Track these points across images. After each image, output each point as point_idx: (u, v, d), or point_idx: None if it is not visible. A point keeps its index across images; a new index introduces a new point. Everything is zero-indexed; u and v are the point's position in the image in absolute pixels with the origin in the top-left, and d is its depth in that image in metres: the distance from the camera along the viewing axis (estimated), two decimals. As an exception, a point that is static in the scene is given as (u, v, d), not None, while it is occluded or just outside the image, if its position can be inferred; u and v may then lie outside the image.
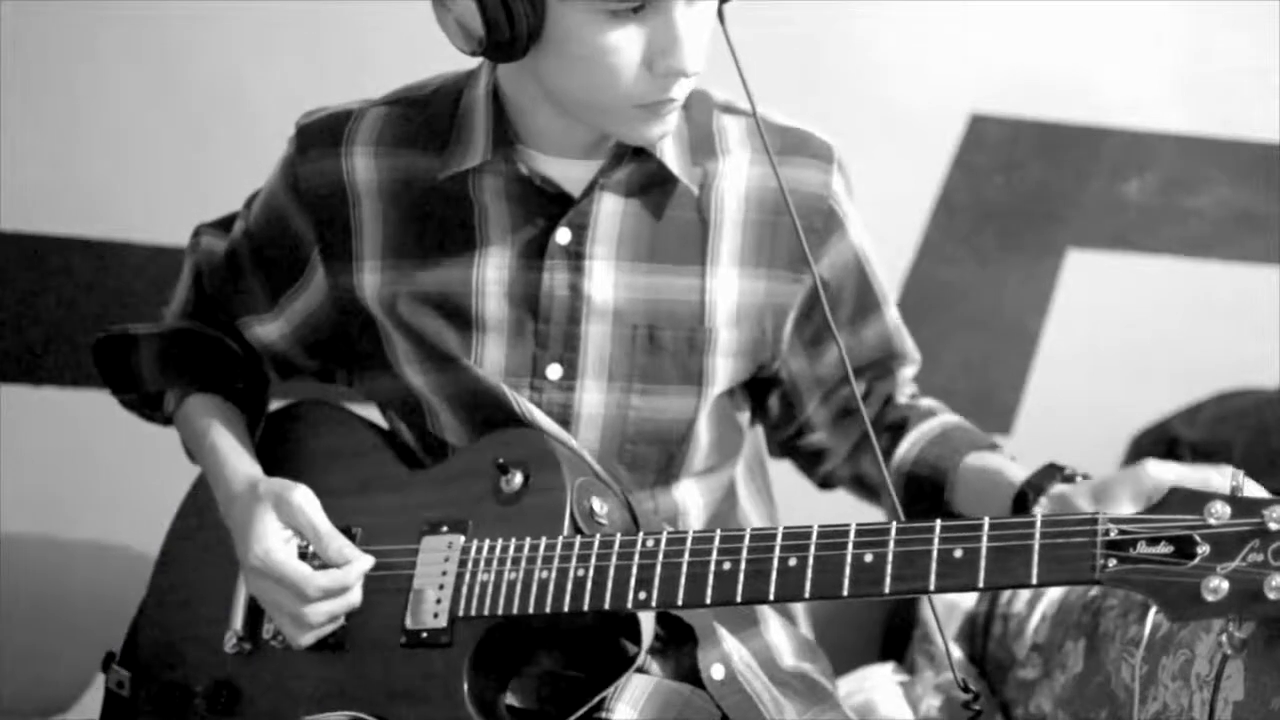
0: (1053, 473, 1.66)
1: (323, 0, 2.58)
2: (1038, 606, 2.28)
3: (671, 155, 1.69)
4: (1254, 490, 1.37)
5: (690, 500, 1.77)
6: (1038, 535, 1.38)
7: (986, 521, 1.41)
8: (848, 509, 1.80)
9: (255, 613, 1.70)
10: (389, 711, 1.60)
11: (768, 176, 1.72)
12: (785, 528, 1.49)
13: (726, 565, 1.49)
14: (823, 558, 1.46)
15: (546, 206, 1.69)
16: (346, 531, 1.67)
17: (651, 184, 1.70)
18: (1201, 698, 1.72)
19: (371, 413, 1.83)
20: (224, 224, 1.88)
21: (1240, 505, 1.31)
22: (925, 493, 1.79)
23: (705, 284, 1.71)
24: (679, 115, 1.71)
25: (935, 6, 2.75)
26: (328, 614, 1.62)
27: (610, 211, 1.69)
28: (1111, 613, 2.02)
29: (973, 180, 2.84)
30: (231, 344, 1.86)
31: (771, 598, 1.48)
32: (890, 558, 1.43)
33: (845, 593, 1.44)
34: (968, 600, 2.46)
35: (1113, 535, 1.35)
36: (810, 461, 1.89)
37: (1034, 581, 1.37)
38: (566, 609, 1.54)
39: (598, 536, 1.56)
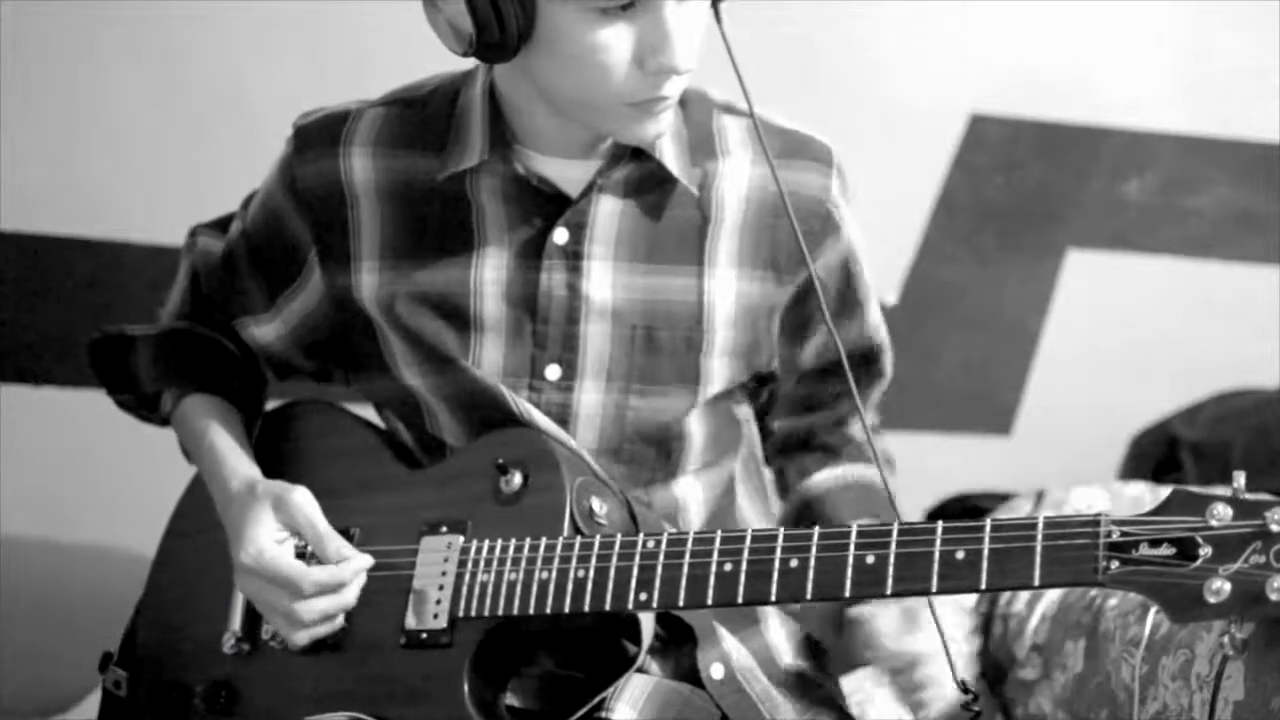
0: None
1: (323, 0, 2.58)
2: (1037, 607, 2.28)
3: (670, 155, 1.68)
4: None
5: (691, 496, 1.77)
6: (1040, 537, 1.38)
7: (989, 523, 1.41)
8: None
9: (253, 613, 1.70)
10: (389, 712, 1.60)
11: (768, 179, 1.71)
12: (786, 529, 1.49)
13: (728, 566, 1.49)
14: (824, 559, 1.46)
15: (544, 206, 1.69)
16: (345, 532, 1.67)
17: (650, 184, 1.70)
18: (1201, 698, 1.72)
19: (369, 413, 1.83)
20: (220, 225, 1.88)
21: (1242, 507, 1.31)
22: (806, 524, 1.81)
23: (703, 284, 1.70)
24: (677, 115, 1.71)
25: (935, 6, 2.75)
26: (320, 612, 1.62)
27: (608, 212, 1.69)
28: (1111, 613, 2.02)
29: (973, 180, 2.84)
30: (228, 344, 1.86)
31: (773, 599, 1.48)
32: (892, 559, 1.43)
33: (847, 594, 1.44)
34: (967, 601, 2.46)
35: (1115, 537, 1.35)
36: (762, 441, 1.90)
37: (1036, 583, 1.37)
38: (567, 610, 1.54)
39: (598, 537, 1.56)
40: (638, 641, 1.61)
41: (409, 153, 1.72)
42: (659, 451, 1.73)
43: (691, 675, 1.66)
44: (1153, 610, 1.87)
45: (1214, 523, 1.32)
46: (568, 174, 1.69)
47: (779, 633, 1.76)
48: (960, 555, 1.41)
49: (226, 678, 1.70)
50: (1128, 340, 2.95)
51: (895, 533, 1.44)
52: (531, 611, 1.55)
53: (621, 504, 1.66)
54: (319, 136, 1.75)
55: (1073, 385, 2.94)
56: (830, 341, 1.77)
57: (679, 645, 1.70)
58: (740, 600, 1.49)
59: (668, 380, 1.71)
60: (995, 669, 2.36)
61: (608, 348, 1.69)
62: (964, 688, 1.58)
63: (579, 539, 1.56)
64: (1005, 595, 2.37)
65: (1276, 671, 1.61)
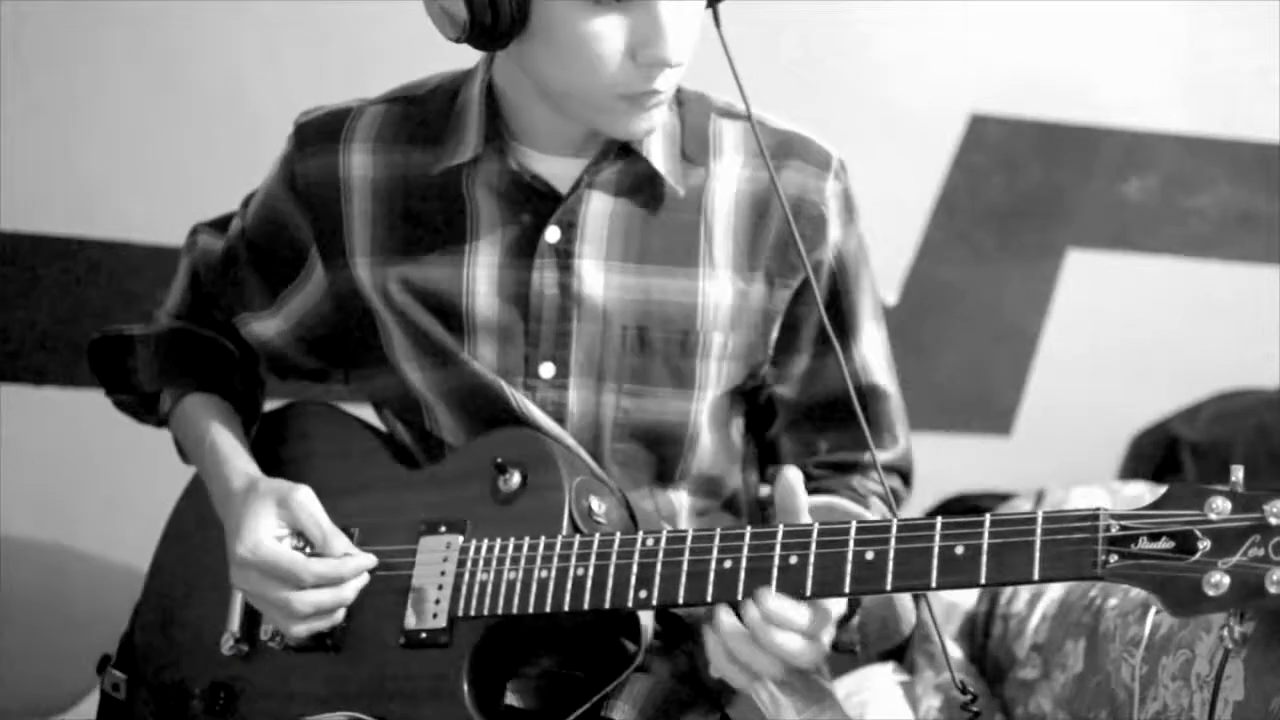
0: None
1: (323, 0, 2.58)
2: (1038, 606, 2.28)
3: (660, 155, 1.68)
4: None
5: (683, 507, 1.77)
6: (1039, 532, 1.38)
7: (988, 518, 1.41)
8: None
9: (252, 614, 1.70)
10: (388, 712, 1.60)
11: (759, 181, 1.71)
12: (785, 525, 1.49)
13: (727, 564, 1.49)
14: (824, 555, 1.46)
15: (537, 204, 1.69)
16: (345, 532, 1.67)
17: (641, 184, 1.69)
18: (1201, 698, 1.72)
19: (368, 414, 1.83)
20: (221, 223, 1.88)
21: (1241, 500, 1.31)
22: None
23: (699, 286, 1.70)
24: (673, 116, 1.71)
25: (935, 6, 2.75)
26: (316, 604, 1.62)
27: (598, 210, 1.69)
28: (1111, 613, 2.02)
29: (973, 180, 2.84)
30: (227, 344, 1.86)
31: (773, 596, 1.48)
32: (891, 555, 1.43)
33: (847, 590, 1.44)
34: (968, 600, 2.46)
35: (1114, 531, 1.35)
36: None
37: (1035, 578, 1.37)
38: (566, 608, 1.54)
39: (597, 536, 1.56)
40: (637, 640, 1.61)
41: (408, 149, 1.72)
42: (653, 455, 1.73)
43: (691, 674, 1.66)
44: (1153, 610, 1.87)
45: (1213, 516, 1.32)
46: (561, 171, 1.69)
47: (778, 631, 1.76)
48: (960, 550, 1.41)
49: (225, 679, 1.70)
50: (1128, 340, 2.95)
51: (895, 528, 1.44)
52: (531, 610, 1.55)
53: (620, 503, 1.66)
54: (319, 134, 1.75)
55: (1073, 385, 2.93)
56: (811, 366, 1.76)
57: (678, 644, 1.70)
58: (739, 597, 1.49)
59: (659, 382, 1.71)
60: (995, 669, 2.36)
61: (599, 347, 1.69)
62: (963, 688, 1.58)
63: (578, 538, 1.56)
64: (1005, 595, 2.37)
65: (1276, 671, 1.61)
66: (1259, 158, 2.89)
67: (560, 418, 1.69)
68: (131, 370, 1.86)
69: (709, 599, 1.49)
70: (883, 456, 1.77)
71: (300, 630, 1.63)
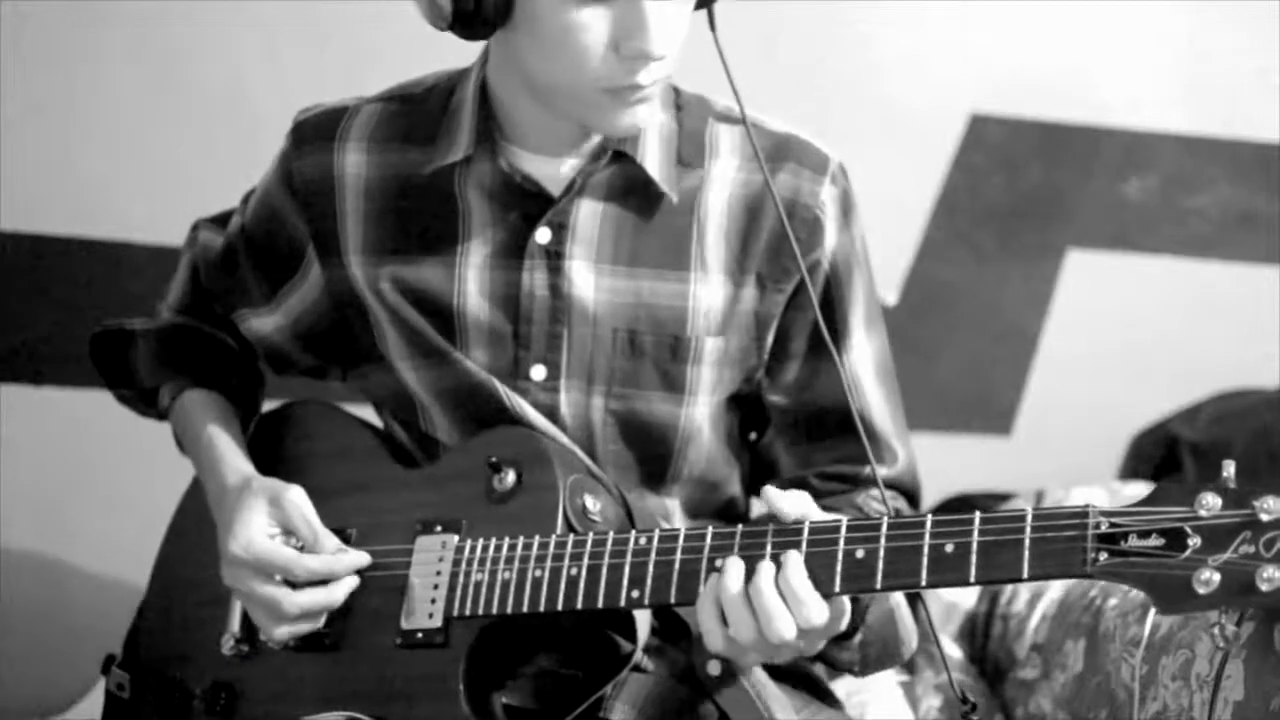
0: None
1: (323, 0, 2.58)
2: (1038, 606, 2.28)
3: (653, 159, 1.68)
4: None
5: (675, 512, 1.77)
6: (1028, 529, 1.38)
7: (977, 516, 1.41)
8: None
9: (252, 614, 1.70)
10: (386, 712, 1.60)
11: (753, 184, 1.70)
12: (775, 525, 1.48)
13: (719, 562, 1.49)
14: (814, 554, 1.45)
15: (527, 204, 1.68)
16: (341, 532, 1.67)
17: (633, 187, 1.69)
18: (1201, 698, 1.72)
19: (366, 412, 1.83)
20: (222, 219, 1.89)
21: (1231, 497, 1.31)
22: None
23: (691, 290, 1.69)
24: (670, 118, 1.70)
25: (935, 6, 2.75)
26: (305, 606, 1.62)
27: (590, 213, 1.69)
28: (1111, 613, 2.02)
29: (973, 180, 2.84)
30: (227, 340, 1.87)
31: (764, 594, 1.47)
32: (882, 553, 1.43)
33: (837, 588, 1.44)
34: (968, 600, 2.46)
35: (1103, 528, 1.35)
36: None
37: (1025, 576, 1.37)
38: (560, 608, 1.54)
39: (590, 535, 1.55)
40: (634, 639, 1.61)
41: (402, 148, 1.72)
42: (641, 458, 1.73)
43: (688, 673, 1.65)
44: (1153, 610, 1.87)
45: (1203, 513, 1.31)
46: (552, 172, 1.68)
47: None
48: (949, 548, 1.40)
49: (226, 679, 1.70)
50: (1128, 340, 2.95)
51: (885, 526, 1.44)
52: (525, 610, 1.55)
53: (616, 500, 1.66)
54: (316, 131, 1.75)
55: (1073, 385, 2.93)
56: (801, 377, 1.74)
57: (675, 642, 1.70)
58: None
59: (649, 386, 1.70)
60: (995, 669, 2.35)
61: (589, 350, 1.69)
62: (963, 697, 1.58)
63: (572, 537, 1.56)
64: (1005, 595, 2.37)
65: (1276, 671, 1.60)
66: (1259, 158, 2.89)
67: (553, 420, 1.69)
68: (132, 364, 1.87)
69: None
70: (882, 472, 1.75)
71: (283, 633, 1.63)
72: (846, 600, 1.48)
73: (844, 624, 1.50)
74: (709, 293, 1.70)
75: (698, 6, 1.62)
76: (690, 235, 1.69)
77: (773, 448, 1.78)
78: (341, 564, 1.62)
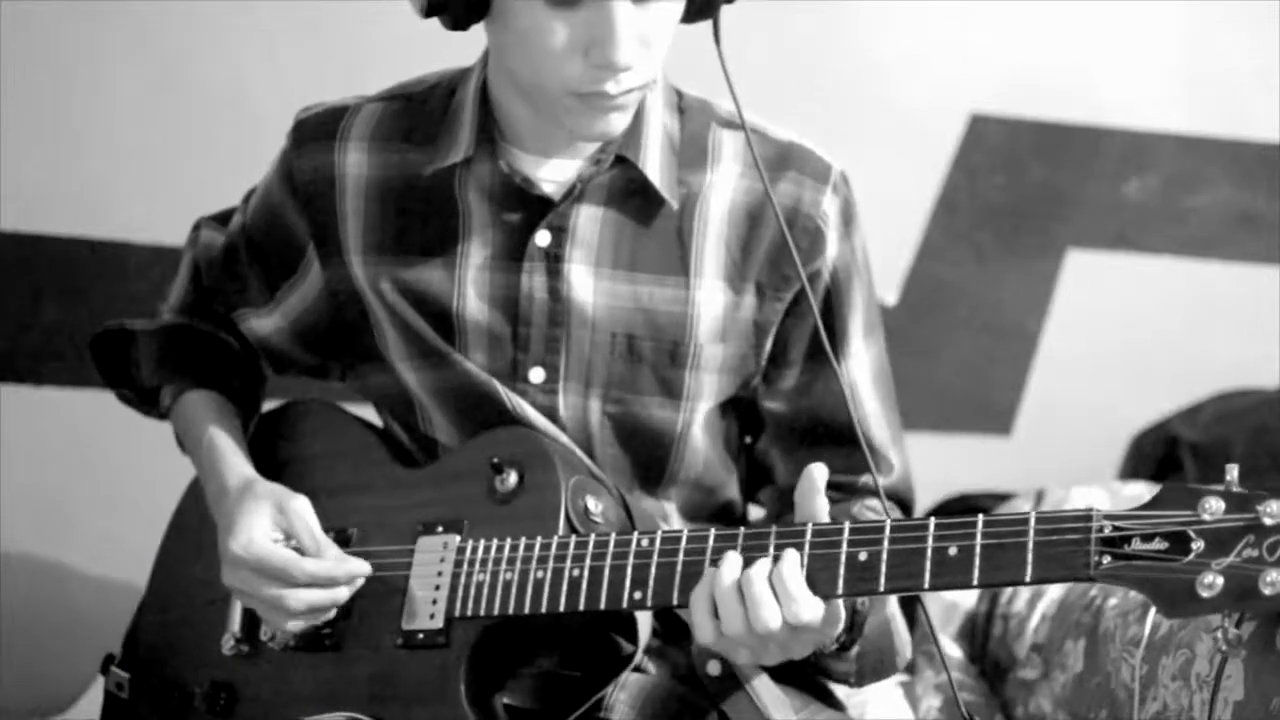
0: None
1: (323, 0, 2.58)
2: (1038, 606, 2.28)
3: (654, 165, 1.67)
4: None
5: (673, 513, 1.77)
6: (1032, 532, 1.38)
7: (980, 519, 1.40)
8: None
9: (252, 615, 1.70)
10: (386, 712, 1.60)
11: (754, 191, 1.70)
12: (778, 526, 1.48)
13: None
14: (817, 556, 1.45)
15: (527, 207, 1.68)
16: (342, 532, 1.67)
17: (634, 192, 1.69)
18: (1201, 698, 1.72)
19: (366, 412, 1.83)
20: (224, 218, 1.89)
21: (1235, 500, 1.31)
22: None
23: (690, 296, 1.69)
24: (673, 122, 1.70)
25: (935, 6, 2.75)
26: (309, 603, 1.62)
27: (590, 216, 1.68)
28: (1111, 613, 2.02)
29: (973, 180, 2.84)
30: (229, 339, 1.87)
31: (766, 596, 1.47)
32: (885, 555, 1.43)
33: (840, 590, 1.44)
34: (968, 600, 2.46)
35: (1107, 532, 1.34)
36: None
37: (1028, 579, 1.37)
38: (562, 609, 1.54)
39: (593, 536, 1.55)
40: (635, 640, 1.61)
41: (403, 147, 1.72)
42: (636, 461, 1.73)
43: (688, 673, 1.66)
44: (1153, 610, 1.87)
45: (1206, 517, 1.31)
46: (552, 175, 1.68)
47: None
48: (953, 551, 1.40)
49: (226, 679, 1.70)
50: (1128, 340, 2.95)
51: (888, 529, 1.44)
52: (527, 611, 1.55)
53: (617, 502, 1.66)
54: (317, 130, 1.75)
55: (1073, 385, 2.93)
56: (800, 383, 1.74)
57: (675, 643, 1.70)
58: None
59: (646, 391, 1.70)
60: (995, 669, 2.36)
61: (587, 353, 1.69)
62: (967, 716, 1.59)
63: (574, 538, 1.56)
64: (1005, 595, 2.37)
65: (1276, 671, 1.61)
66: (1259, 158, 2.89)
67: (551, 422, 1.69)
68: (133, 364, 1.87)
69: (703, 600, 1.49)
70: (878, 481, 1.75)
71: (294, 626, 1.63)
72: (841, 607, 1.48)
73: (838, 629, 1.49)
74: (709, 299, 1.69)
75: (700, 16, 1.62)
76: (690, 241, 1.69)
77: (768, 454, 1.78)
78: (342, 570, 1.62)
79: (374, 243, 1.72)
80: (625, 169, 1.67)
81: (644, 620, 1.62)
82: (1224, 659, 1.69)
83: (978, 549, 1.39)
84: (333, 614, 1.64)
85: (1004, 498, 2.70)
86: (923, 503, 2.72)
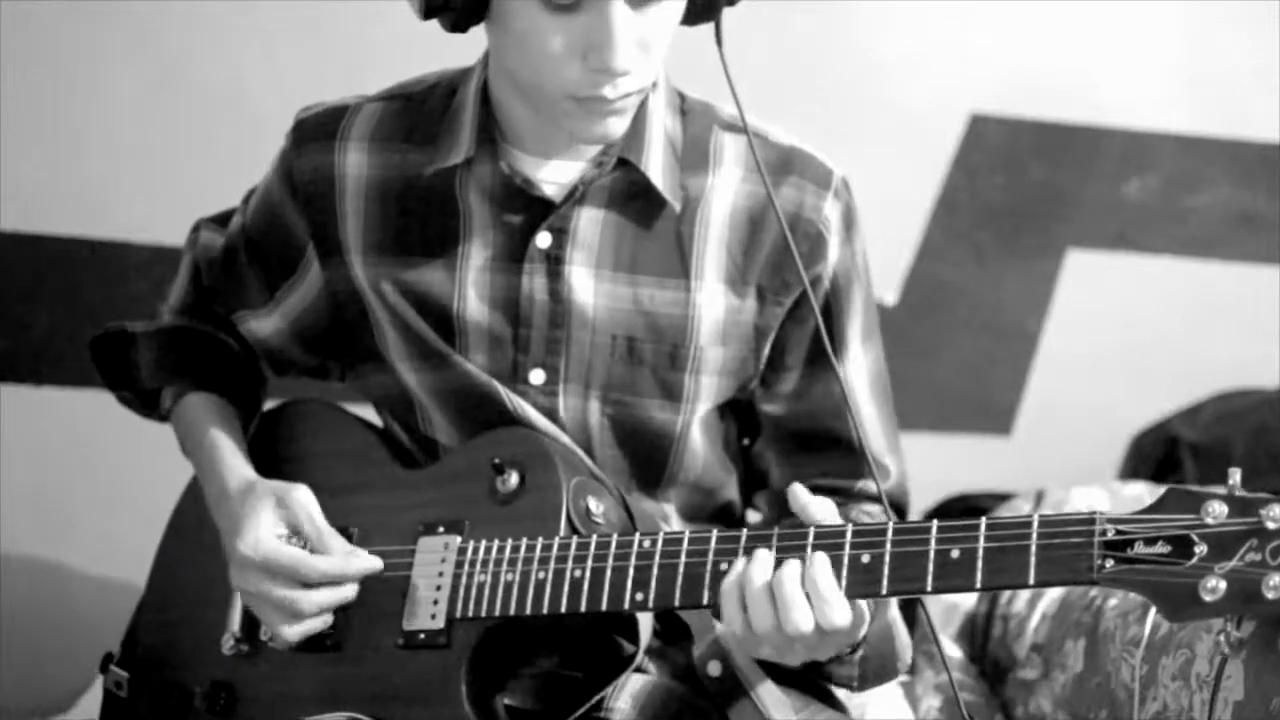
0: None
1: (323, 0, 2.58)
2: (1038, 606, 2.28)
3: (657, 167, 1.67)
4: None
5: (672, 515, 1.77)
6: (1035, 536, 1.38)
7: (983, 522, 1.40)
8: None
9: (252, 614, 1.70)
10: (387, 712, 1.60)
11: (756, 195, 1.70)
12: (780, 528, 1.49)
13: (723, 566, 1.49)
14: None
15: (528, 208, 1.68)
16: (343, 532, 1.67)
17: (636, 194, 1.68)
18: (1201, 698, 1.72)
19: (368, 412, 1.83)
20: (223, 219, 1.89)
21: (1238, 504, 1.31)
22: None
23: (691, 299, 1.69)
24: (675, 125, 1.70)
25: (935, 6, 2.76)
26: (321, 604, 1.62)
27: (591, 218, 1.68)
28: (1111, 613, 2.02)
29: (973, 180, 2.84)
30: (229, 341, 1.86)
31: (768, 598, 1.47)
32: (887, 558, 1.43)
33: (844, 593, 1.44)
34: (968, 600, 2.46)
35: (1110, 535, 1.34)
36: None
37: (1031, 582, 1.37)
38: (564, 610, 1.54)
39: (594, 537, 1.55)
40: (636, 640, 1.61)
41: (404, 147, 1.72)
42: (636, 463, 1.73)
43: (689, 673, 1.65)
44: (1153, 610, 1.87)
45: (1209, 520, 1.31)
46: (553, 176, 1.68)
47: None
48: (955, 554, 1.40)
49: (226, 679, 1.70)
50: (1128, 340, 2.95)
51: (890, 531, 1.44)
52: (528, 612, 1.55)
53: (618, 503, 1.66)
54: (317, 130, 1.75)
55: (1073, 385, 2.93)
56: (799, 387, 1.74)
57: (676, 643, 1.70)
58: None
59: (645, 394, 1.70)
60: (995, 669, 2.36)
61: (588, 355, 1.69)
62: (968, 716, 1.59)
63: (575, 539, 1.56)
64: (1005, 595, 2.37)
65: (1276, 671, 1.61)
66: (1259, 158, 2.89)
67: (551, 423, 1.69)
68: (133, 366, 1.87)
69: (705, 602, 1.49)
70: (873, 487, 1.74)
71: (294, 632, 1.63)
72: (865, 608, 1.49)
73: (862, 631, 1.50)
74: (709, 302, 1.69)
75: (701, 19, 1.62)
76: (692, 244, 1.69)
77: (764, 457, 1.78)
78: (353, 567, 1.62)
79: (374, 243, 1.72)
80: (627, 171, 1.67)
81: (645, 621, 1.62)
82: (1224, 659, 1.69)
83: (980, 552, 1.39)
84: (330, 618, 1.64)
85: (1004, 498, 2.70)
86: (923, 503, 2.74)
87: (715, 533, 1.51)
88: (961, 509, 2.76)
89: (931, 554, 1.41)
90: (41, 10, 2.51)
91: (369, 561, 1.63)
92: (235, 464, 1.73)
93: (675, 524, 1.76)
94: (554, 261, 1.68)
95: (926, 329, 2.88)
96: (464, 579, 1.59)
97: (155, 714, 1.74)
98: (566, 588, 1.54)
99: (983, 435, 2.96)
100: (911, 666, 2.37)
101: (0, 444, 2.61)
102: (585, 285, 1.68)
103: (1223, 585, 1.29)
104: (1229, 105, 2.86)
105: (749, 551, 1.48)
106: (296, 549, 1.62)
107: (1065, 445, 2.91)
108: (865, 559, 1.44)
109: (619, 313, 1.68)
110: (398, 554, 1.64)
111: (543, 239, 1.67)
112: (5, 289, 2.60)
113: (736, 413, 1.79)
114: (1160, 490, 1.36)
